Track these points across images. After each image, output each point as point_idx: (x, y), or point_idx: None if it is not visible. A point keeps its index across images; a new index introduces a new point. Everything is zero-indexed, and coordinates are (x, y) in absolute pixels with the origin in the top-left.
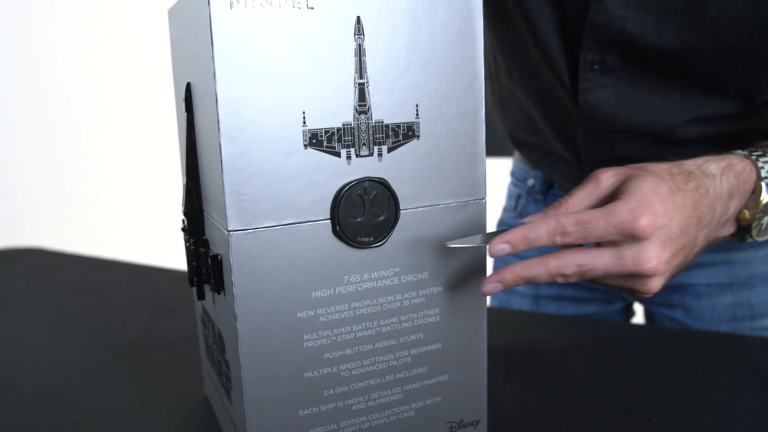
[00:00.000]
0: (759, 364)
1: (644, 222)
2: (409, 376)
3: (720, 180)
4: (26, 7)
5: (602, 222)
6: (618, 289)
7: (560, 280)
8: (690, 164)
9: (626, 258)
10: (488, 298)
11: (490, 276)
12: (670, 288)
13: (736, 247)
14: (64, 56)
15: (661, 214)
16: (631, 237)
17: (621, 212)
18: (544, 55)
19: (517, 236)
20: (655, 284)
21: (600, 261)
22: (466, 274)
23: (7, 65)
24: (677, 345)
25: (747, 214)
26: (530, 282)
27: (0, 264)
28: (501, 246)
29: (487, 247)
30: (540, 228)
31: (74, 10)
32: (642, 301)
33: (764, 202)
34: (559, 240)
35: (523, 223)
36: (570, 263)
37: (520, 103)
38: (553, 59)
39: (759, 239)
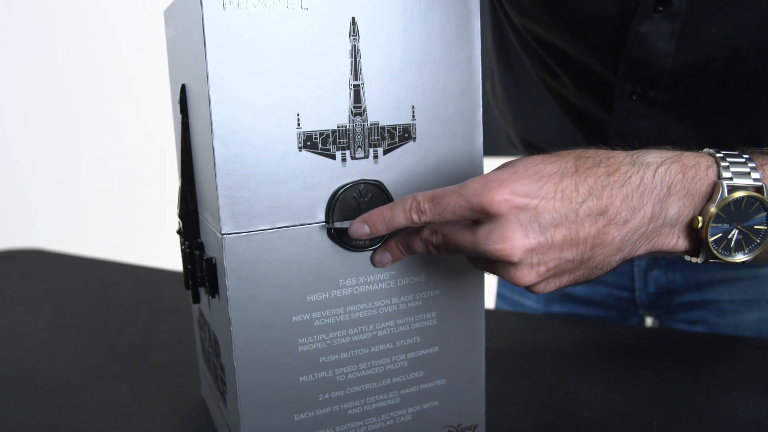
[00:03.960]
0: (763, 367)
1: (495, 196)
2: (405, 380)
3: (654, 171)
4: (23, 8)
5: (454, 196)
6: (489, 272)
7: (432, 249)
8: (622, 152)
9: (479, 234)
10: (491, 301)
11: (378, 247)
12: (691, 304)
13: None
14: (63, 57)
15: (523, 193)
16: (481, 213)
17: (473, 185)
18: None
19: (375, 215)
20: (521, 275)
21: (459, 234)
22: (464, 278)
23: (6, 67)
24: (679, 347)
25: (699, 221)
26: (409, 250)
27: (0, 265)
28: (359, 224)
29: (348, 228)
30: (397, 206)
31: (73, 11)
32: (659, 317)
33: (720, 206)
34: (415, 218)
35: None
36: (438, 231)
37: (563, 99)
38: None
39: (725, 260)
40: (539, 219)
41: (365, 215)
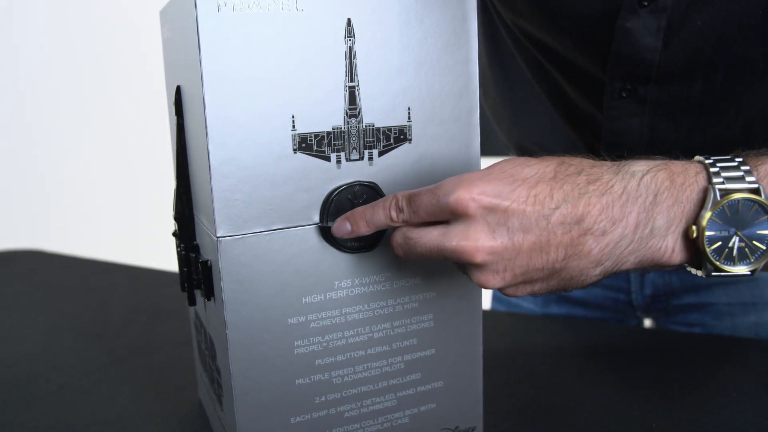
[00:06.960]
0: (761, 367)
1: (464, 195)
2: (402, 382)
3: (640, 179)
4: (19, 9)
5: (428, 195)
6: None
7: (396, 252)
8: (608, 162)
9: (445, 234)
10: (488, 302)
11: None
12: (688, 306)
13: None
14: (60, 58)
15: (492, 194)
16: (450, 212)
17: (446, 185)
18: (565, 76)
19: (357, 213)
20: (485, 279)
21: (427, 236)
22: (460, 279)
23: (4, 68)
24: (677, 348)
25: (694, 231)
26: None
27: None
28: (341, 222)
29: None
30: (378, 204)
31: (69, 12)
32: (656, 320)
33: (714, 210)
34: (394, 216)
35: None
36: (401, 234)
37: (549, 108)
38: (577, 82)
39: (729, 270)
40: (508, 222)
41: (348, 213)
